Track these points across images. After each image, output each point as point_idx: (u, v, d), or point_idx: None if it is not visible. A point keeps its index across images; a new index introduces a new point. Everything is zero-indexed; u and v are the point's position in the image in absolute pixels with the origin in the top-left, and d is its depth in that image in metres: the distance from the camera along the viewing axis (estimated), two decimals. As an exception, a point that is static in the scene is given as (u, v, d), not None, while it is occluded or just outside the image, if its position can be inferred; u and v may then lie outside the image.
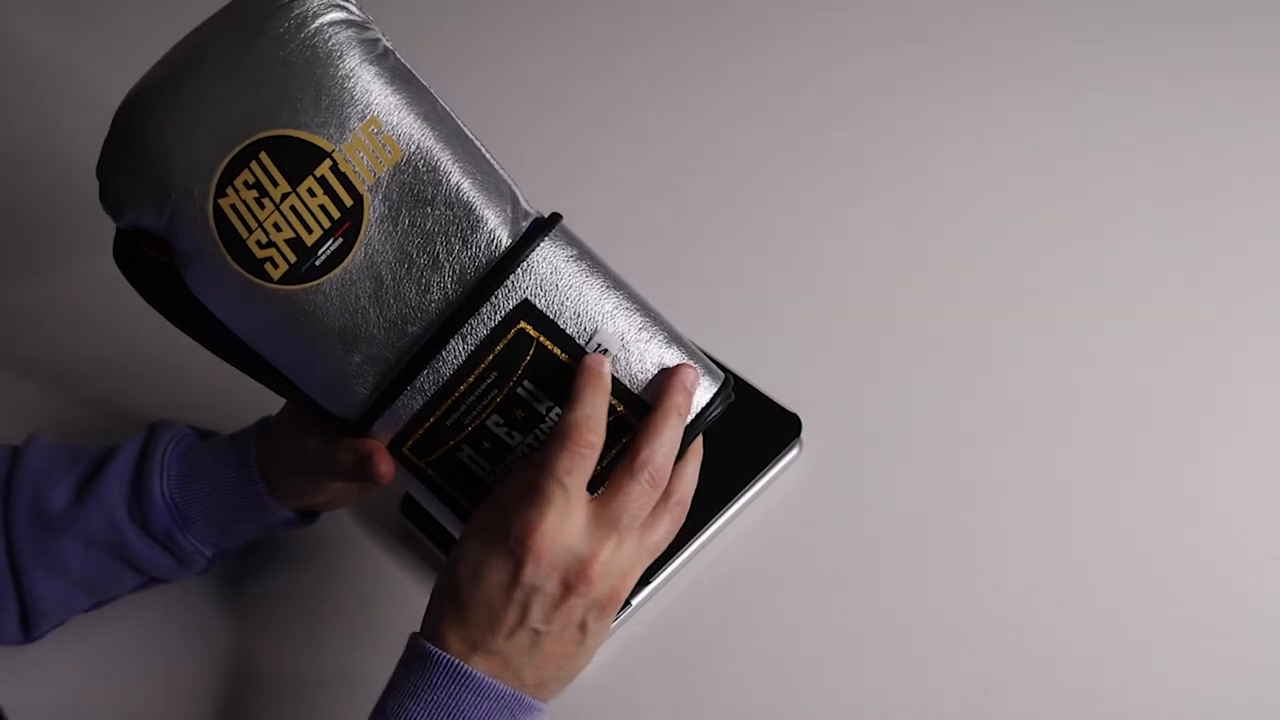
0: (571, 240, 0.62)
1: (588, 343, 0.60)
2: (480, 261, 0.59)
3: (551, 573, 0.57)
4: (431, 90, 0.61)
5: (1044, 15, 1.02)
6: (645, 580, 0.73)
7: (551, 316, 0.60)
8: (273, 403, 0.67)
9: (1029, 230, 0.89)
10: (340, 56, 0.58)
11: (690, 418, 0.61)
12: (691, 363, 0.62)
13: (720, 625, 0.73)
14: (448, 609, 0.59)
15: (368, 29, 0.60)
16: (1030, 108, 0.96)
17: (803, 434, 0.77)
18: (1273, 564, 0.72)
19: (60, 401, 0.86)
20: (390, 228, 0.59)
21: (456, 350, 0.60)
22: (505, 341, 0.60)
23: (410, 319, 0.60)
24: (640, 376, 0.61)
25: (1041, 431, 0.79)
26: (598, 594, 0.58)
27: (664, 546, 0.61)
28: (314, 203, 0.59)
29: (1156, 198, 0.90)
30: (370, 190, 0.59)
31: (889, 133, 0.96)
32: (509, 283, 0.59)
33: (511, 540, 0.57)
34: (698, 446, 0.63)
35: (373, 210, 0.59)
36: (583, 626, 0.59)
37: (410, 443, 0.61)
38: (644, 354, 0.61)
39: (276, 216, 0.58)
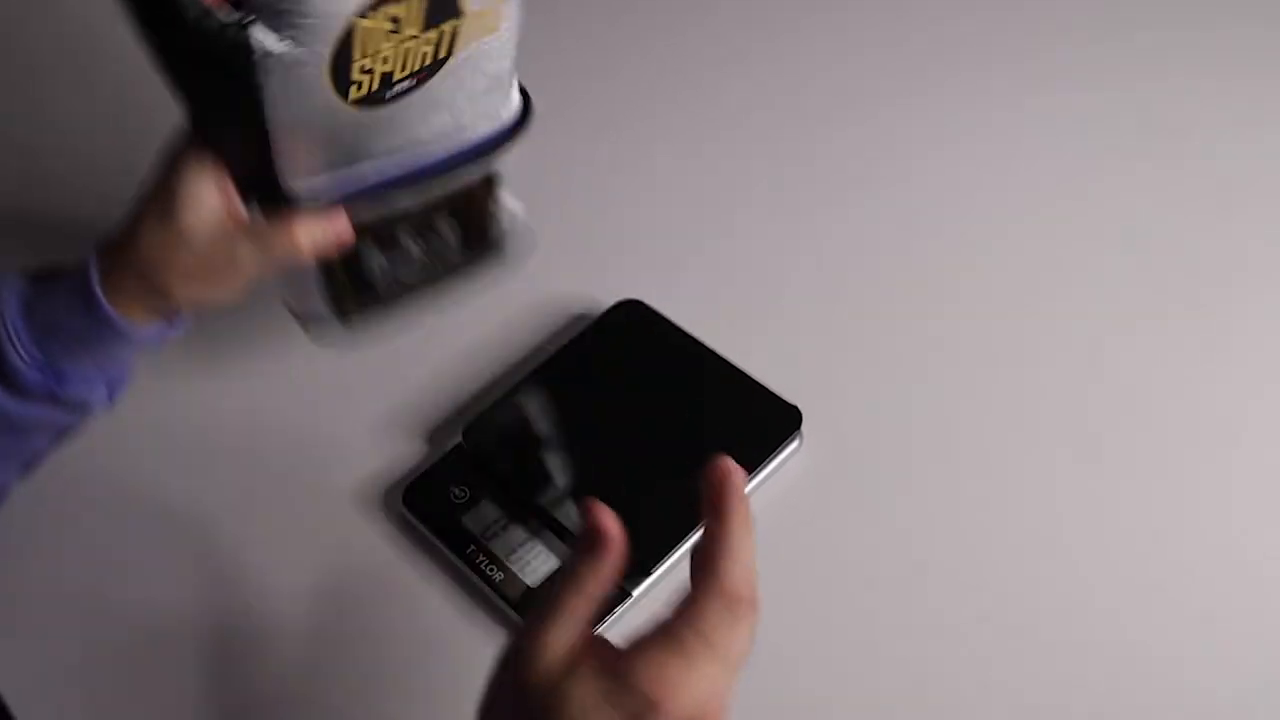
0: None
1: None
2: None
3: None
4: None
5: (1044, 15, 1.03)
6: (645, 572, 0.73)
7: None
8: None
9: (1030, 227, 0.89)
10: None
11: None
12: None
13: (720, 617, 0.73)
14: None
15: None
16: (1031, 106, 0.97)
17: (803, 426, 0.78)
18: (1274, 564, 0.73)
19: None
20: (451, 83, 0.63)
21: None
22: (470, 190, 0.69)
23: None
24: None
25: (1042, 427, 0.79)
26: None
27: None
28: (422, 49, 0.61)
29: (1157, 197, 0.90)
30: (459, 53, 0.62)
31: (890, 128, 0.96)
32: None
33: (640, 694, 0.50)
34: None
35: (448, 66, 0.62)
36: None
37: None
38: None
39: (390, 51, 0.60)
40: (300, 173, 0.64)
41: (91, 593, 0.75)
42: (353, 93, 0.61)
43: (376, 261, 0.67)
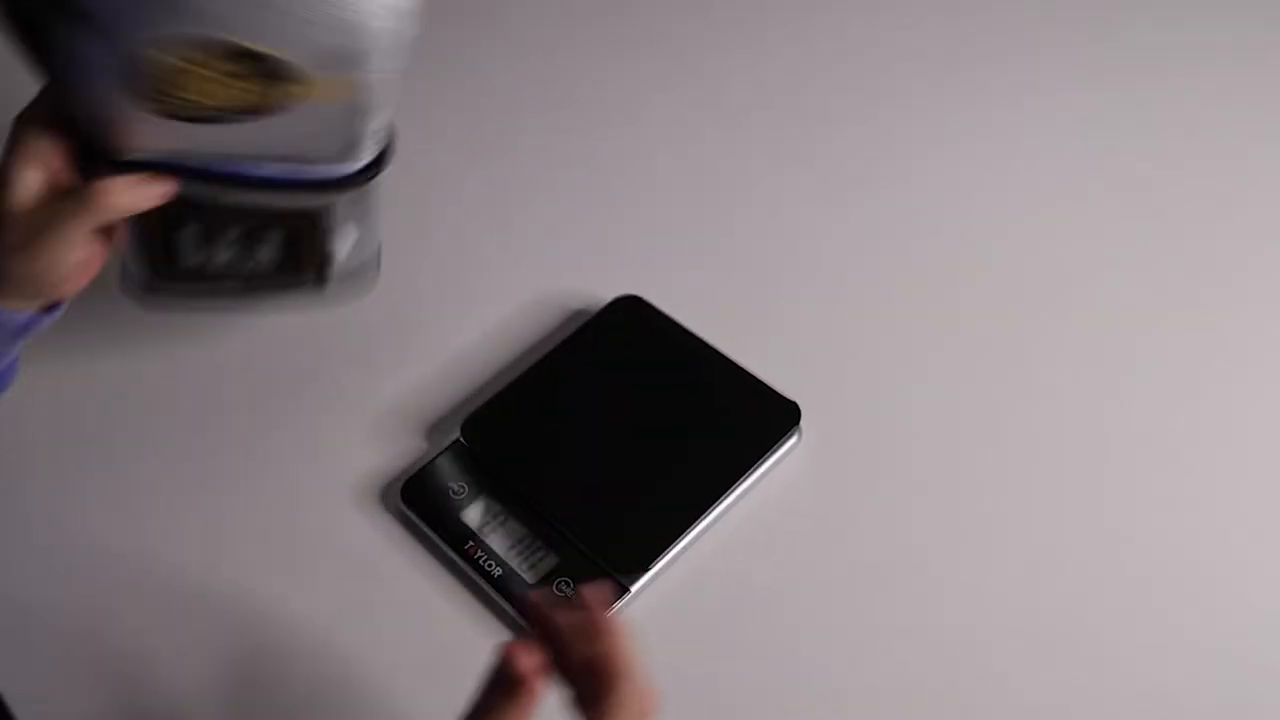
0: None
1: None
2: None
3: None
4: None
5: (1046, 15, 1.03)
6: (644, 568, 0.73)
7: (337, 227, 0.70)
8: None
9: (1029, 224, 0.89)
10: None
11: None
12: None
13: (717, 614, 0.73)
14: None
15: None
16: (1032, 105, 0.97)
17: (802, 422, 0.77)
18: (1275, 563, 0.73)
19: None
20: (281, 126, 0.63)
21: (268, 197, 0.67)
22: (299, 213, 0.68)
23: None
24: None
25: (1040, 423, 0.79)
26: None
27: None
28: (237, 93, 0.61)
29: (1157, 196, 0.90)
30: (291, 109, 0.62)
31: (891, 126, 0.96)
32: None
33: None
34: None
35: (277, 118, 0.62)
36: None
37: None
38: None
39: (196, 88, 0.61)
40: (124, 147, 0.64)
41: (90, 589, 0.75)
42: (152, 106, 0.61)
43: (193, 244, 0.68)
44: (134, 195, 0.64)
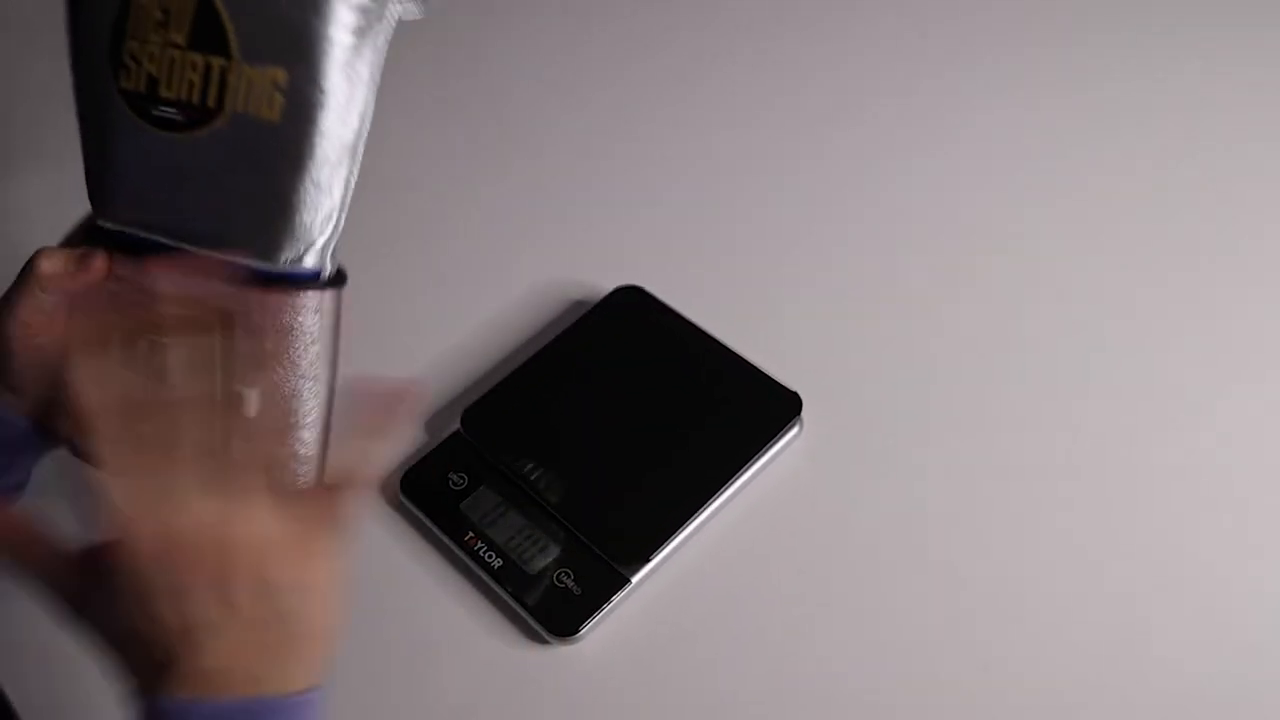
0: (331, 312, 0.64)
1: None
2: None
3: None
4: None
5: (1050, 14, 1.02)
6: (645, 559, 0.73)
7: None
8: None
9: (1030, 217, 0.89)
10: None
11: None
12: None
13: (718, 605, 0.73)
14: None
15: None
16: (1034, 102, 0.97)
17: (803, 413, 0.77)
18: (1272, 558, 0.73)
19: None
20: (218, 155, 0.61)
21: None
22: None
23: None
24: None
25: (1043, 414, 0.79)
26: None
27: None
28: (189, 76, 0.60)
29: (1158, 194, 0.90)
30: (228, 111, 0.60)
31: (894, 119, 0.96)
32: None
33: None
34: None
35: (217, 129, 0.61)
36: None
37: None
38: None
39: (156, 49, 0.60)
40: (97, 201, 0.63)
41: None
42: (123, 78, 0.60)
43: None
44: (70, 269, 0.62)
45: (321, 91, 0.59)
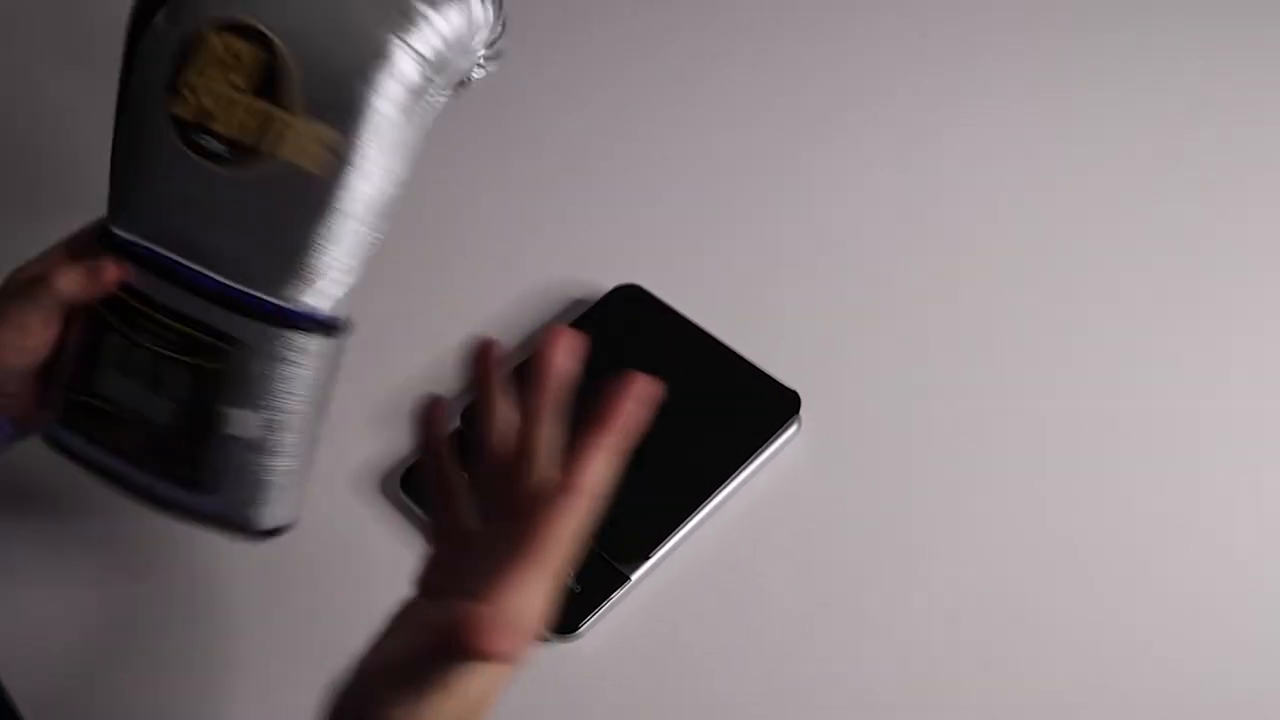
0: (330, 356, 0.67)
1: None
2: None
3: None
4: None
5: (1052, 10, 1.03)
6: (644, 557, 0.73)
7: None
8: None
9: (1030, 214, 0.89)
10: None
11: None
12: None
13: (717, 602, 0.73)
14: None
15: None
16: (1035, 98, 0.97)
17: (802, 411, 0.78)
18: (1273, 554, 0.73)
19: None
20: (255, 194, 0.64)
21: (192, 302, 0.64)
22: (224, 344, 0.65)
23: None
24: None
25: (1040, 412, 0.79)
26: None
27: None
28: (242, 116, 0.63)
29: (1159, 192, 0.90)
30: (276, 156, 0.63)
31: (892, 116, 0.96)
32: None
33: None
34: None
35: (261, 169, 0.64)
36: None
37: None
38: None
39: (217, 86, 0.63)
40: (118, 212, 0.66)
41: (92, 583, 0.75)
42: (176, 104, 0.63)
43: (111, 358, 0.66)
44: (85, 281, 0.64)
45: (363, 156, 0.63)
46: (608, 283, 0.85)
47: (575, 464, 0.53)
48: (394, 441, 0.80)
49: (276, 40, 0.62)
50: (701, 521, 0.75)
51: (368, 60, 0.62)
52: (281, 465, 0.66)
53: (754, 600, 0.73)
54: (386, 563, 0.76)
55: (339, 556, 0.76)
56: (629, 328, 0.83)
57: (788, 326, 0.84)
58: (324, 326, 0.65)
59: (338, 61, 0.62)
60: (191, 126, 0.63)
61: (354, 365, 0.84)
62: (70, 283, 0.64)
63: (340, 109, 0.62)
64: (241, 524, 0.68)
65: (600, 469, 0.53)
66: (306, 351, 0.65)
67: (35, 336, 0.66)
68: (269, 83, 0.62)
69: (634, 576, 0.73)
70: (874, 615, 0.72)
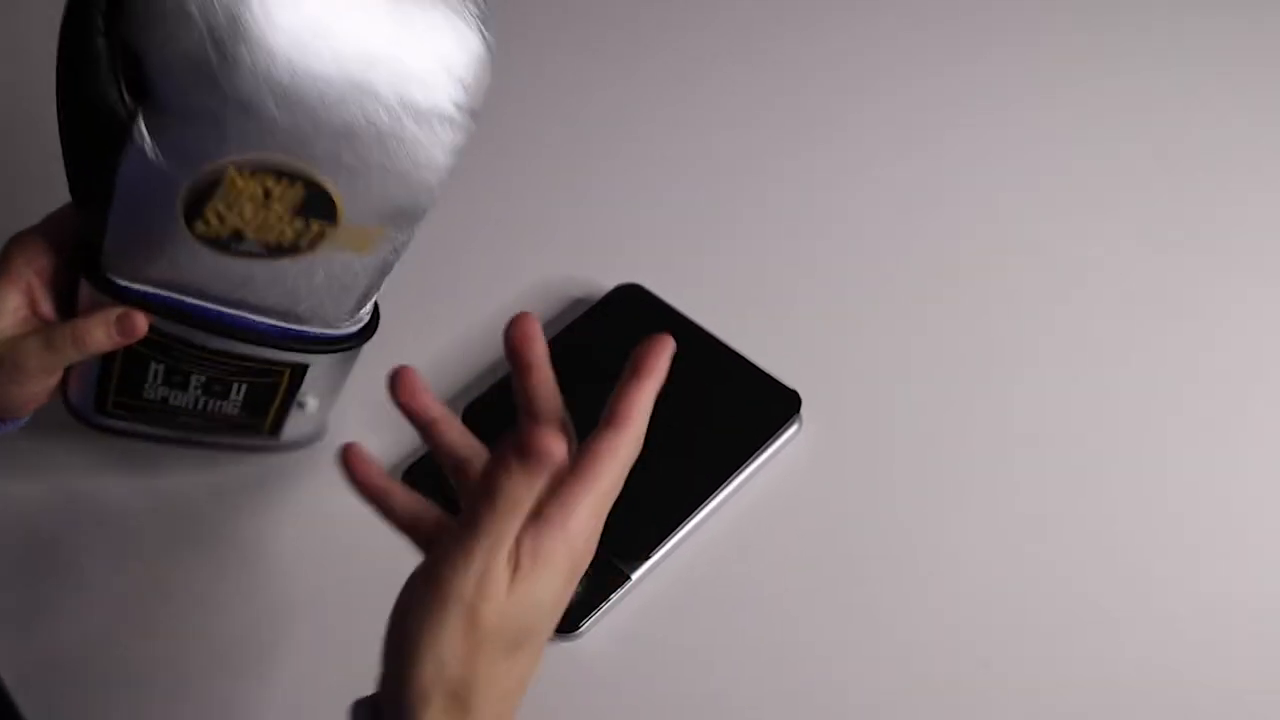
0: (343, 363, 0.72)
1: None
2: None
3: None
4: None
5: (1054, 9, 1.03)
6: (645, 556, 0.73)
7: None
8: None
9: (1030, 214, 0.89)
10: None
11: None
12: None
13: (718, 602, 0.73)
14: None
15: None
16: (1036, 99, 0.97)
17: (802, 411, 0.78)
18: (1273, 554, 0.73)
19: None
20: (300, 271, 0.64)
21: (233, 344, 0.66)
22: (278, 368, 0.69)
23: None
24: None
25: (1042, 413, 0.79)
26: None
27: None
28: (282, 228, 0.61)
29: (1160, 191, 0.90)
30: (320, 252, 0.63)
31: (892, 116, 0.96)
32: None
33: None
34: None
35: (305, 258, 0.63)
36: None
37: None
38: None
39: (250, 214, 0.60)
40: (124, 272, 0.63)
41: (93, 583, 0.75)
42: (199, 226, 0.59)
43: (155, 381, 0.67)
44: (108, 337, 0.63)
45: (414, 234, 0.64)
46: (608, 283, 0.85)
47: (620, 403, 0.56)
48: (397, 438, 0.80)
49: (321, 178, 0.58)
50: (702, 521, 0.75)
51: (419, 193, 0.61)
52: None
53: (755, 599, 0.73)
54: (387, 559, 0.76)
55: (341, 551, 0.76)
56: (629, 328, 0.83)
57: (788, 326, 0.84)
58: (372, 327, 0.71)
59: (390, 194, 0.60)
60: (223, 242, 0.60)
61: (357, 362, 0.84)
62: (98, 340, 0.63)
63: (394, 216, 0.61)
64: (291, 447, 0.77)
65: (643, 407, 0.56)
66: (358, 350, 0.71)
67: (41, 383, 0.66)
68: (315, 206, 0.59)
69: (634, 576, 0.73)
70: (874, 615, 0.72)
